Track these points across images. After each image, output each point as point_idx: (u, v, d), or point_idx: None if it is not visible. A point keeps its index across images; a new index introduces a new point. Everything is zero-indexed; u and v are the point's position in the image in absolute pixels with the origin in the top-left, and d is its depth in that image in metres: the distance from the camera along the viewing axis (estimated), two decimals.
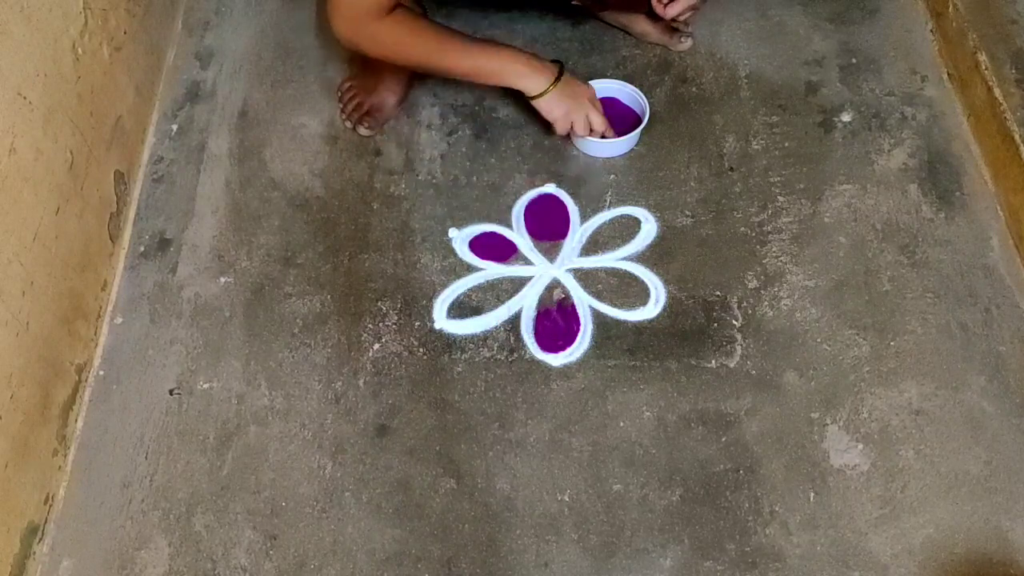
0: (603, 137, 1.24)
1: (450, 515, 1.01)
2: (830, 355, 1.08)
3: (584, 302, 1.15)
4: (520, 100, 1.33)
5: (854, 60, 1.34)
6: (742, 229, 1.19)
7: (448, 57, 1.15)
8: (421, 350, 1.12)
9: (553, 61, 1.20)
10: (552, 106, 1.20)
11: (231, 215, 1.26)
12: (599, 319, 1.13)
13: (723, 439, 1.04)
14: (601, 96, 1.30)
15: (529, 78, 1.18)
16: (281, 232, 1.24)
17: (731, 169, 1.24)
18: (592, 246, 1.20)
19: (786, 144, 1.26)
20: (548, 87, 1.18)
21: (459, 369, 1.11)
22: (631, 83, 1.29)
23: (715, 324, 1.12)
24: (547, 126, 1.24)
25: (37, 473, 1.01)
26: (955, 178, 1.21)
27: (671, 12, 1.20)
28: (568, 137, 1.28)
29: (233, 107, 1.37)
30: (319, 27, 1.45)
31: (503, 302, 1.15)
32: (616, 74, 1.34)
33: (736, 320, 1.12)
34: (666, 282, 1.15)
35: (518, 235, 1.21)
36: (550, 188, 1.25)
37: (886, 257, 1.15)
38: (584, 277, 1.17)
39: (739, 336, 1.11)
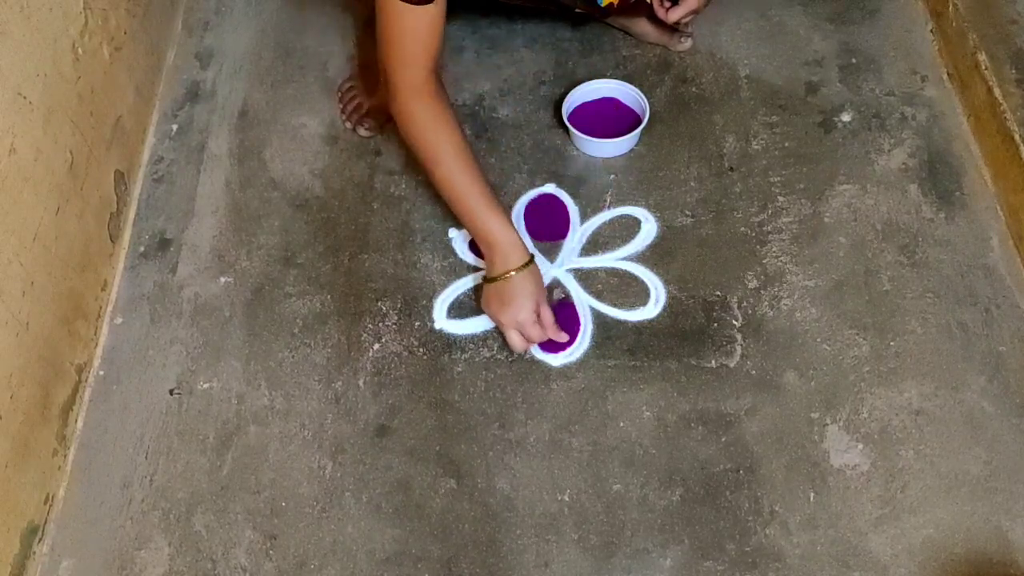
0: (549, 344, 1.10)
1: (450, 515, 1.01)
2: (830, 355, 1.08)
3: (584, 302, 1.15)
4: (520, 100, 1.34)
5: (854, 60, 1.34)
6: (742, 229, 1.19)
7: (448, 184, 1.07)
8: (421, 350, 1.12)
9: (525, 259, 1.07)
10: (516, 287, 1.05)
11: (231, 215, 1.26)
12: (599, 319, 1.13)
13: (723, 439, 1.04)
14: (601, 96, 1.30)
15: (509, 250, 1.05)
16: (281, 232, 1.24)
17: (731, 169, 1.24)
18: (592, 246, 1.20)
19: (786, 144, 1.26)
20: (516, 269, 1.05)
21: (459, 369, 1.11)
22: (631, 83, 1.28)
23: (715, 324, 1.12)
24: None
25: (37, 473, 1.01)
26: (955, 178, 1.21)
27: (673, 17, 1.21)
28: (568, 138, 1.28)
29: (233, 107, 1.37)
30: (319, 27, 1.45)
31: None
32: (616, 74, 1.34)
33: (736, 320, 1.12)
34: (666, 282, 1.15)
35: None
36: (550, 188, 1.25)
37: (886, 257, 1.15)
38: (584, 277, 1.17)
39: (739, 336, 1.10)
